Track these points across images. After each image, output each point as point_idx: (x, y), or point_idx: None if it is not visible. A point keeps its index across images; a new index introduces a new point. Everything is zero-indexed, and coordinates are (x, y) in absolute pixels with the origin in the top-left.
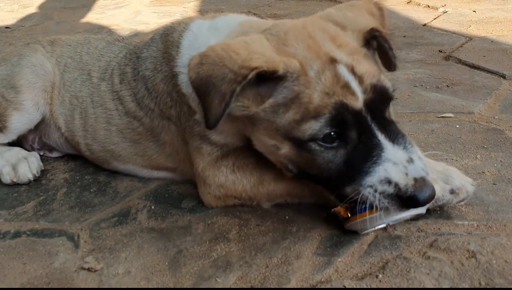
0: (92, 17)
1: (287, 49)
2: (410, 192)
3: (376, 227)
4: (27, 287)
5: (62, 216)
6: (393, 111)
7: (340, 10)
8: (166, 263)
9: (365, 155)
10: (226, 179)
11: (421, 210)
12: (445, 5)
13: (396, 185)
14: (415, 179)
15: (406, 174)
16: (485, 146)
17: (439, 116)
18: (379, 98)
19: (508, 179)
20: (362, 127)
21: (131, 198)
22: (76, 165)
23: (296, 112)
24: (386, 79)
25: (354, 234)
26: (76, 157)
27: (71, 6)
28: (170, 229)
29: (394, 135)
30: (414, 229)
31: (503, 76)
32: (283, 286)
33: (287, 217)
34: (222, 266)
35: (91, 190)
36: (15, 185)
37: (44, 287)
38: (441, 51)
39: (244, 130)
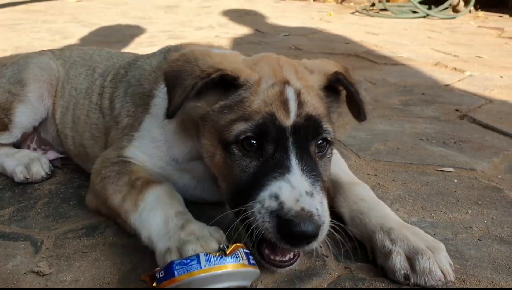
0: (125, 51)
1: (255, 67)
2: (289, 216)
3: None
4: None
5: (35, 223)
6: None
7: (311, 60)
8: (117, 277)
9: (271, 170)
10: (107, 171)
11: (244, 281)
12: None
13: (281, 203)
14: (303, 209)
15: (297, 200)
16: (479, 203)
17: (439, 169)
18: (309, 129)
19: (495, 236)
20: (280, 144)
21: None
22: (64, 179)
23: (235, 114)
24: (329, 125)
25: (321, 270)
26: (66, 172)
27: (109, 40)
28: (133, 247)
29: (308, 169)
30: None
31: None
32: None
33: None
34: None
35: (71, 203)
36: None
37: None
38: (458, 110)
39: (193, 137)
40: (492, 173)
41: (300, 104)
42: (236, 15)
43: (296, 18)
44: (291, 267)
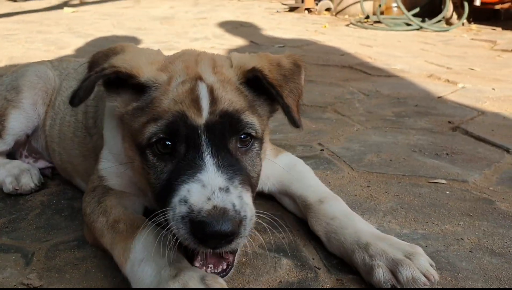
0: None
1: (169, 66)
2: (201, 217)
3: None
4: None
5: (26, 235)
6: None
7: (244, 54)
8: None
9: (182, 173)
10: (89, 206)
11: None
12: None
13: (190, 206)
14: (215, 207)
15: (209, 199)
16: (471, 214)
17: (431, 181)
18: (225, 126)
19: (486, 248)
20: (192, 143)
21: None
22: (56, 190)
23: (146, 116)
24: (253, 118)
25: (313, 282)
26: (59, 183)
27: None
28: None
29: (225, 165)
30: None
31: (507, 150)
32: None
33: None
34: None
35: (63, 214)
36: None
37: None
38: (450, 122)
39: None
40: (484, 185)
41: (214, 100)
42: (231, 26)
43: (291, 30)
44: (225, 278)
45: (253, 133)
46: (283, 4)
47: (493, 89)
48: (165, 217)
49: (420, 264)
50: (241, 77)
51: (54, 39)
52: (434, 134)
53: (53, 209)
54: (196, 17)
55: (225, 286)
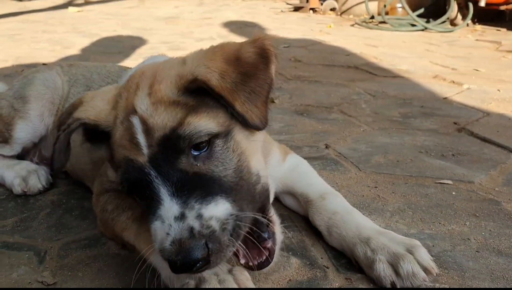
0: (126, 62)
1: (119, 100)
2: (167, 257)
3: None
4: None
5: (38, 233)
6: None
7: (198, 52)
8: (120, 287)
9: (148, 213)
10: (110, 203)
11: None
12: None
13: (158, 247)
14: (173, 242)
15: (168, 234)
16: (477, 215)
17: (437, 181)
18: (167, 150)
19: (493, 248)
20: (146, 183)
21: None
22: (66, 190)
23: (115, 158)
24: (198, 122)
25: (322, 281)
26: (68, 183)
27: (110, 51)
28: (136, 258)
29: (178, 187)
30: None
31: None
32: None
33: None
34: None
35: (73, 213)
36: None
37: None
38: (456, 123)
39: None
40: (489, 186)
41: (148, 131)
42: (236, 26)
43: (296, 30)
44: (272, 263)
45: (201, 139)
46: (287, 4)
47: (498, 90)
48: None
49: (422, 256)
50: (182, 88)
51: (59, 39)
52: (440, 135)
53: (63, 208)
54: (201, 17)
55: (250, 278)
